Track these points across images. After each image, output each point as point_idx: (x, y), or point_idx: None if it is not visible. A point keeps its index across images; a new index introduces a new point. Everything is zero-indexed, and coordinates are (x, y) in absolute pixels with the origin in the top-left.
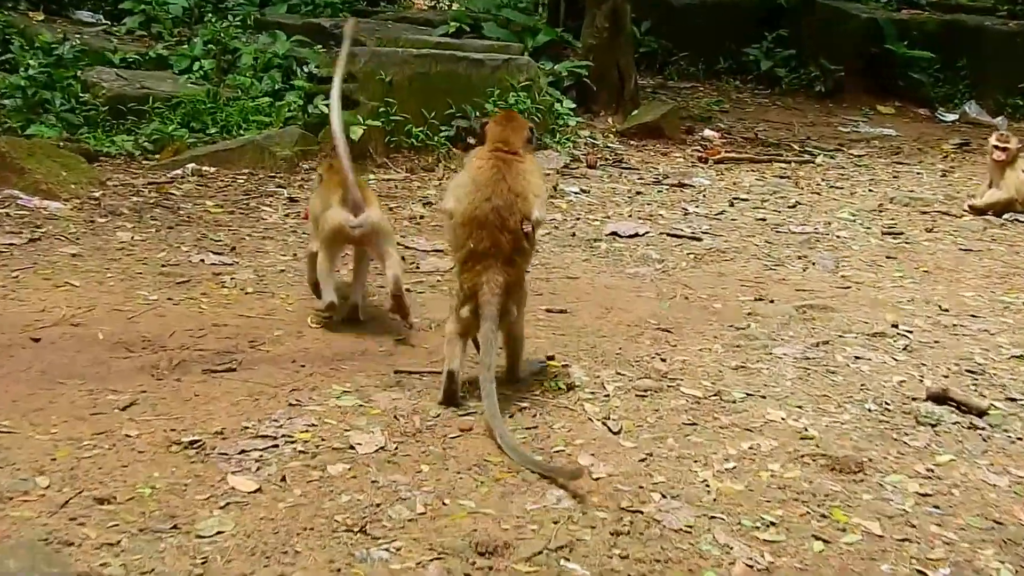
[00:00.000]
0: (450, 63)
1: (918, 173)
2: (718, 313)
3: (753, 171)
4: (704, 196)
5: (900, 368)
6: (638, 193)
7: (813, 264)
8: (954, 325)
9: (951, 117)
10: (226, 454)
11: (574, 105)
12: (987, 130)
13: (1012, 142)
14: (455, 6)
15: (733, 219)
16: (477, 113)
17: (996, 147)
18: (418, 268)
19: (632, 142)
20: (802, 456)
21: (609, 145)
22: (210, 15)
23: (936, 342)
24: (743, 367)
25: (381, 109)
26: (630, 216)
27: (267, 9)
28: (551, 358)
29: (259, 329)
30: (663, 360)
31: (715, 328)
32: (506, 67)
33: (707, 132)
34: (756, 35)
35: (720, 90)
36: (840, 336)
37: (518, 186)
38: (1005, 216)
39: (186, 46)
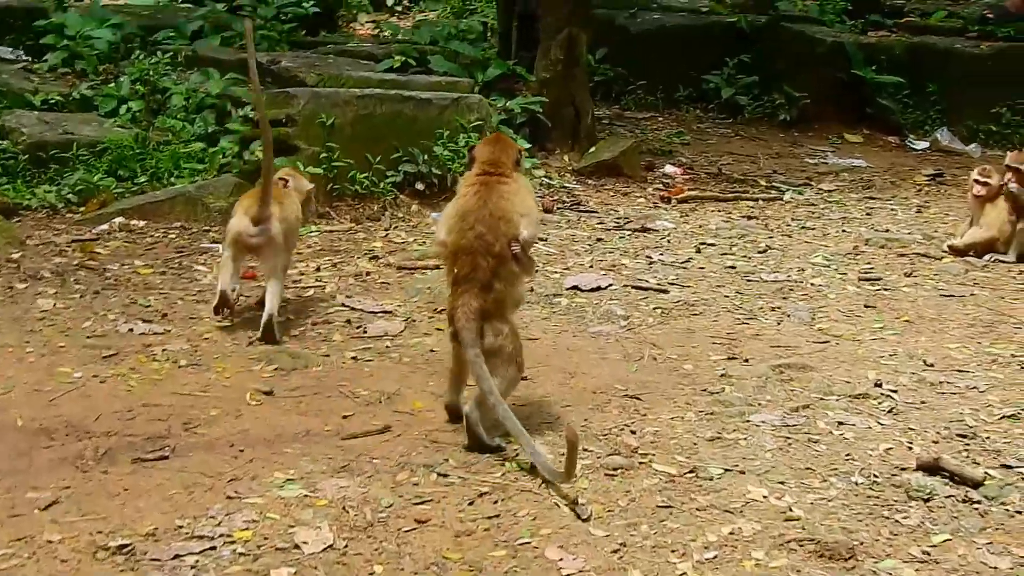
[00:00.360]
0: (396, 103)
1: (892, 209)
2: (689, 376)
3: (719, 211)
4: (669, 241)
5: (886, 434)
6: (599, 240)
7: (788, 316)
8: (940, 382)
9: (922, 145)
10: (158, 560)
11: (528, 144)
12: (960, 159)
13: (994, 177)
14: (401, 34)
15: (701, 267)
16: (426, 157)
17: (977, 182)
18: (365, 332)
19: (590, 181)
20: (788, 541)
21: (566, 186)
22: (138, 51)
23: (923, 402)
24: (719, 438)
25: (322, 155)
26: (591, 267)
27: (199, 42)
28: (506, 433)
29: (194, 408)
30: (633, 432)
31: (687, 393)
32: (455, 106)
33: (668, 168)
34: (717, 61)
35: (680, 120)
36: (821, 399)
37: (500, 209)
38: (986, 257)
39: (112, 85)
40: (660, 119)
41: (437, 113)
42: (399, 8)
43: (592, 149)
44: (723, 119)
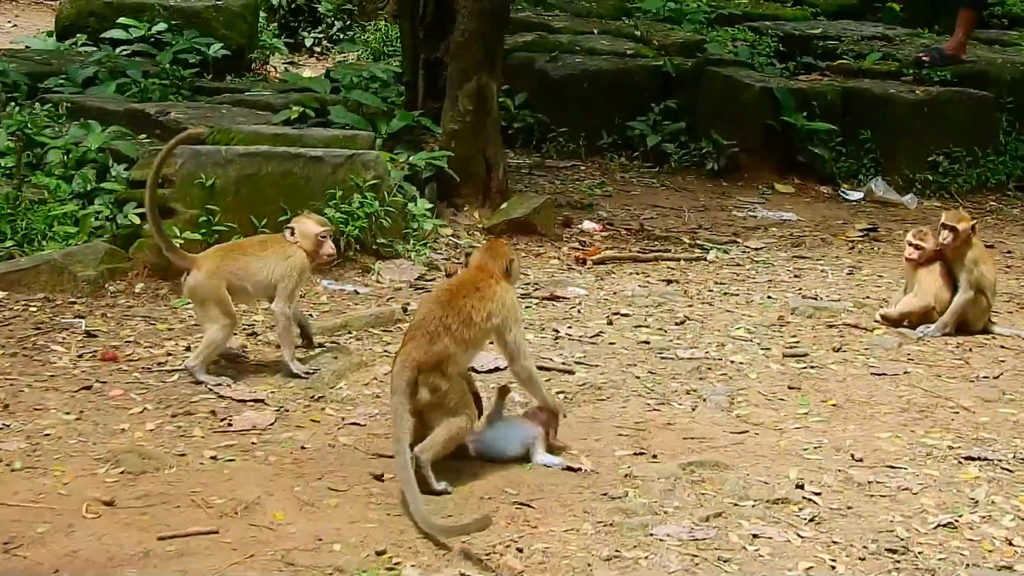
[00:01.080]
0: (284, 162)
1: (822, 271)
2: (589, 477)
3: (637, 273)
4: (580, 311)
5: (807, 549)
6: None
7: (704, 400)
8: (869, 482)
9: (856, 196)
10: None
11: (431, 205)
12: (896, 210)
13: (928, 240)
14: (303, 82)
15: (612, 342)
16: None
17: (910, 244)
18: (230, 426)
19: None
20: None
21: (475, 245)
22: (16, 102)
23: (849, 508)
24: (617, 556)
25: (202, 218)
26: (491, 343)
27: (92, 89)
28: (381, 553)
29: (20, 523)
30: (519, 551)
31: (585, 499)
32: (350, 164)
33: (587, 224)
34: (643, 107)
35: (604, 169)
36: (735, 504)
37: (472, 303)
38: (920, 329)
39: None
40: (583, 168)
41: (330, 172)
42: (318, 49)
43: (504, 205)
44: (649, 167)
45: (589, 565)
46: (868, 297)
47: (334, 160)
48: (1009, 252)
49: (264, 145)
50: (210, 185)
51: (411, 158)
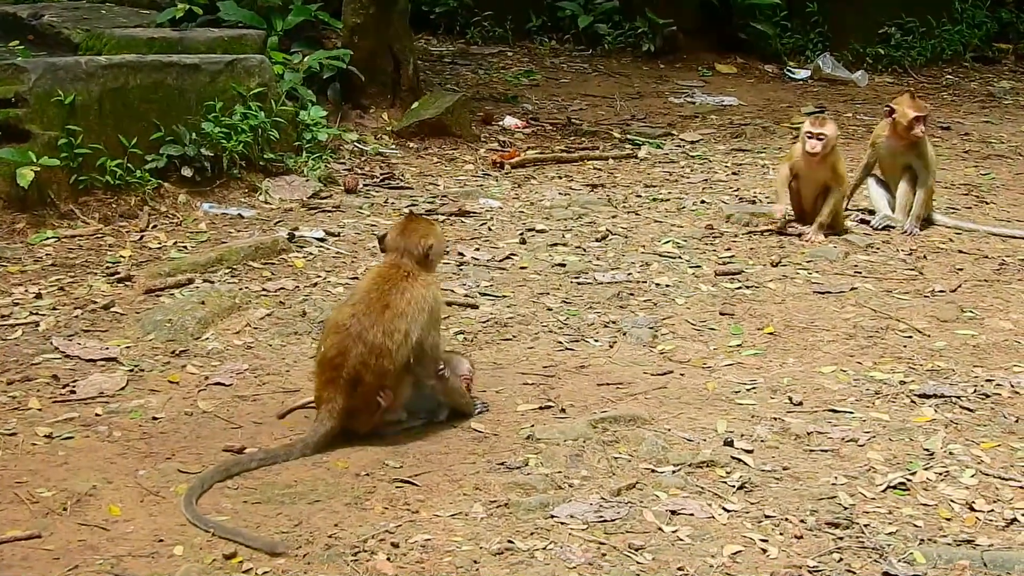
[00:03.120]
0: (154, 72)
1: (763, 166)
2: (485, 441)
3: (560, 177)
4: (491, 228)
5: (733, 528)
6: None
7: (624, 334)
8: (808, 434)
9: (803, 74)
10: None
11: (324, 112)
12: (845, 88)
13: (828, 127)
14: None
15: (523, 267)
16: (194, 136)
17: (810, 135)
18: (73, 393)
19: (411, 144)
20: None
21: (382, 152)
22: None
23: (784, 468)
24: (509, 549)
25: (62, 141)
26: None
27: None
28: (230, 556)
29: None
30: (395, 547)
31: (479, 470)
32: (231, 71)
33: (508, 120)
34: None
35: (532, 54)
36: (652, 471)
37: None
38: (878, 218)
39: None
40: (510, 54)
41: (208, 81)
42: None
43: (415, 105)
44: (581, 51)
45: (475, 562)
46: None
47: (212, 67)
48: (967, 135)
49: (138, 52)
50: (70, 103)
51: (308, 58)
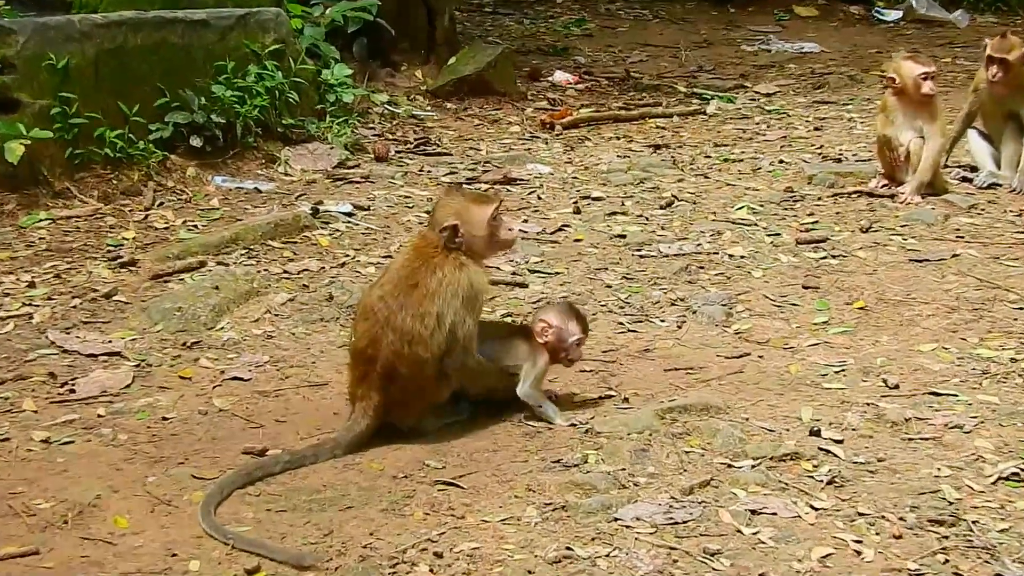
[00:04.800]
0: (156, 30)
1: (849, 120)
2: (538, 436)
3: (617, 138)
4: (540, 197)
5: (823, 528)
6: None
7: (693, 312)
8: (906, 420)
9: (893, 15)
10: None
11: (350, 71)
12: (942, 31)
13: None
14: None
15: (578, 239)
16: (203, 101)
17: (927, 77)
18: (73, 392)
19: (449, 105)
20: None
21: (416, 114)
22: None
23: (880, 460)
24: (568, 557)
25: (55, 110)
26: None
27: None
28: (253, 572)
29: None
30: (438, 556)
31: (531, 469)
32: (243, 27)
33: (558, 75)
34: None
35: (584, 1)
36: (729, 466)
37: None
38: (981, 176)
39: None
40: (559, 1)
41: (217, 39)
42: None
43: (452, 61)
44: None
45: (530, 573)
46: None
47: (222, 23)
48: None
49: (139, 8)
50: (63, 67)
51: (330, 10)
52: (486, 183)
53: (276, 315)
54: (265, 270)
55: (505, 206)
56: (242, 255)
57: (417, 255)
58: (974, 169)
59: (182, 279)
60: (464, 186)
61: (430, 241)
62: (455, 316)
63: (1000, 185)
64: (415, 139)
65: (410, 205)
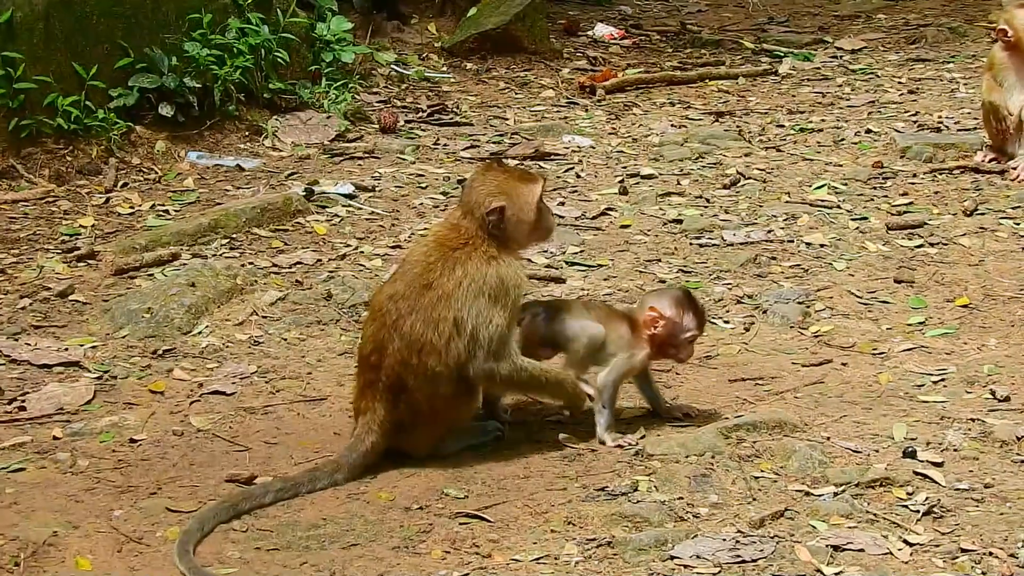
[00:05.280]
0: None
1: (951, 80)
2: (578, 460)
3: (671, 103)
4: (580, 176)
5: (918, 569)
6: (461, 182)
7: (764, 312)
8: (1019, 439)
9: None
10: None
11: (350, 26)
12: None
13: None
14: None
15: (624, 226)
16: (174, 61)
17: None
18: (23, 410)
19: (469, 65)
20: None
21: (429, 75)
22: None
23: (987, 487)
24: None
25: None
26: None
27: None
28: None
29: None
30: None
31: (571, 498)
32: None
33: (600, 29)
34: None
35: None
36: (806, 494)
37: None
38: None
39: None
40: None
41: None
42: None
43: (472, 12)
44: None
45: None
46: None
47: None
48: None
49: None
50: (6, 21)
51: None
52: (514, 158)
53: (264, 317)
54: (250, 263)
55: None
56: (223, 246)
57: (438, 246)
58: None
59: (151, 275)
60: (505, 161)
61: (459, 229)
62: (477, 318)
63: None
64: (428, 106)
65: (423, 185)
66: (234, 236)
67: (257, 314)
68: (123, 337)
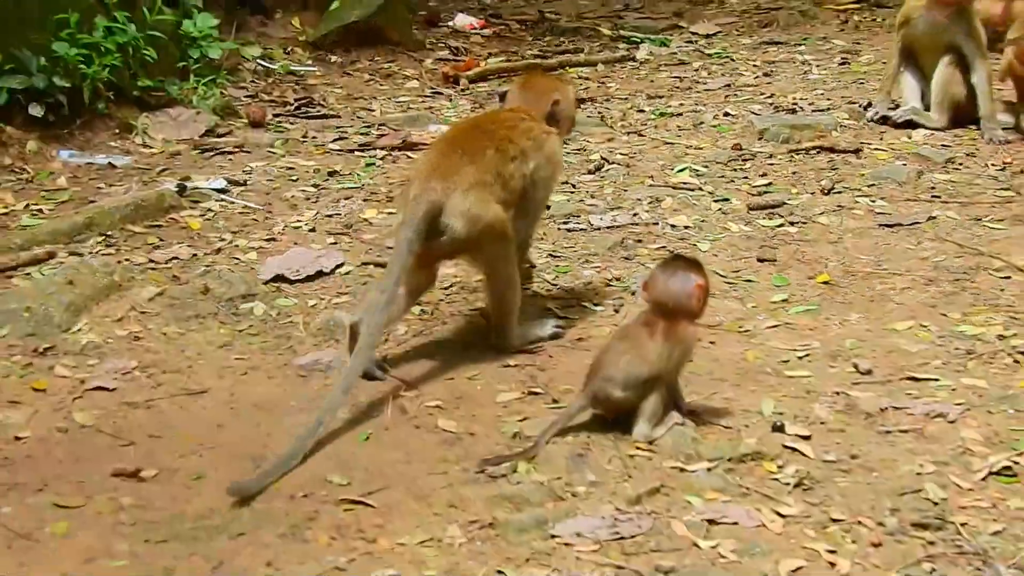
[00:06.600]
0: None
1: (803, 63)
2: (458, 443)
3: None
4: None
5: (791, 540)
6: (332, 175)
7: (633, 294)
8: (882, 410)
9: None
10: None
11: (216, 21)
12: None
13: None
14: None
15: None
16: (42, 60)
17: None
18: None
19: (334, 58)
20: None
21: (295, 70)
22: None
23: (853, 457)
24: None
25: None
26: (313, 230)
27: None
28: None
29: None
30: None
31: (451, 483)
32: None
33: (460, 19)
34: None
35: None
36: (680, 470)
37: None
38: (898, 114)
39: None
40: None
41: None
42: None
43: (334, 5)
44: None
45: None
46: (873, 94)
47: None
48: None
49: None
50: None
51: None
52: (382, 149)
53: (143, 312)
54: (127, 260)
55: None
56: (98, 243)
57: (504, 117)
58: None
59: (28, 274)
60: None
61: (520, 112)
62: (536, 171)
63: (923, 125)
64: (296, 100)
65: (293, 178)
66: (109, 233)
67: (136, 310)
68: (3, 336)
